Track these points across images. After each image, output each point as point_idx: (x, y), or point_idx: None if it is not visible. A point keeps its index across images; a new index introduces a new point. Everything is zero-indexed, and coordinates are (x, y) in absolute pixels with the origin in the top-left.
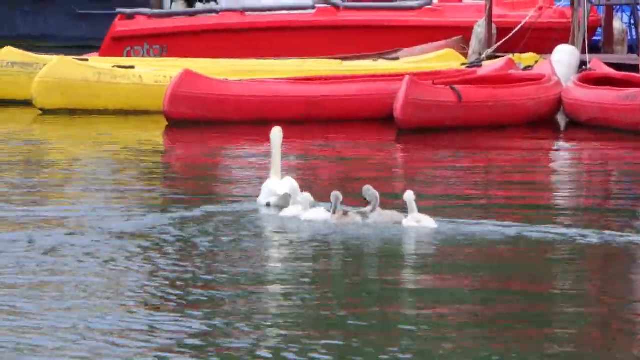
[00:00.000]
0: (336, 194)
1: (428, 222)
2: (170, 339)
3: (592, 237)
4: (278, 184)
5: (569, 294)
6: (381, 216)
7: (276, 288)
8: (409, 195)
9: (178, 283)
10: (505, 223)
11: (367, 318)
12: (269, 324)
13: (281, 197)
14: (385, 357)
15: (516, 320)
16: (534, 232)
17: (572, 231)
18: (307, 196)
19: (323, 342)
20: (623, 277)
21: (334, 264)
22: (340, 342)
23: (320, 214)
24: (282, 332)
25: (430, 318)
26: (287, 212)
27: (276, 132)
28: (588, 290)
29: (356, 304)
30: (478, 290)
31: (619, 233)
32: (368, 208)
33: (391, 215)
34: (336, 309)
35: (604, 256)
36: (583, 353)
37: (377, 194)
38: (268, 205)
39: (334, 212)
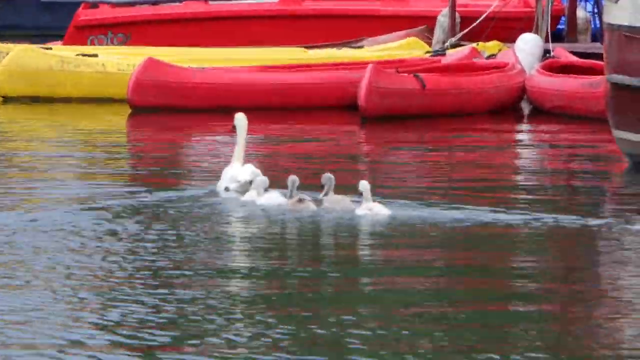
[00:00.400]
0: (293, 178)
1: (380, 210)
2: (121, 322)
3: (554, 220)
4: (239, 170)
5: (528, 273)
6: (334, 202)
7: (228, 271)
8: (364, 185)
9: (131, 266)
10: (468, 207)
11: (322, 300)
12: (221, 305)
13: (242, 184)
14: (346, 336)
15: (476, 299)
16: (499, 216)
17: (534, 215)
18: (264, 180)
19: (279, 323)
20: (583, 258)
21: (288, 248)
22: (295, 323)
23: (276, 198)
24: (235, 314)
25: (388, 299)
26: (246, 196)
27: (240, 118)
28: (548, 270)
29: (309, 283)
30: (435, 269)
31: (578, 217)
32: (322, 193)
33: (347, 202)
34: (289, 288)
35: (564, 238)
36: (544, 329)
37: (332, 177)
38: (227, 190)
39: (290, 197)
